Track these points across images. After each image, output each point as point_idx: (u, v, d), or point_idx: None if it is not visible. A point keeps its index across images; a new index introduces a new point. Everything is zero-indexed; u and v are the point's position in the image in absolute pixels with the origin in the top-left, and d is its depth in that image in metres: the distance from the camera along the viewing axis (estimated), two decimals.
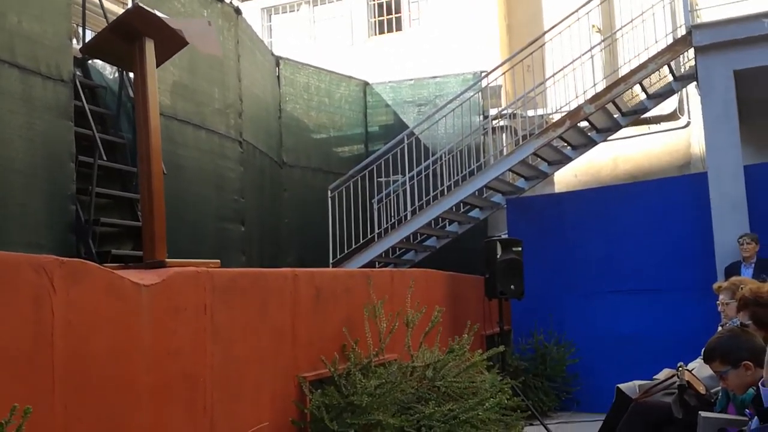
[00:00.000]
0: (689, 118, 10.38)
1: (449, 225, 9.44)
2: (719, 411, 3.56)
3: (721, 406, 3.62)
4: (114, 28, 4.37)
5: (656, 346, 6.94)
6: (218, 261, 4.19)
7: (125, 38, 4.37)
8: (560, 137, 8.34)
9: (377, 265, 8.87)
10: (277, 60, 9.78)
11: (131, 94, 6.22)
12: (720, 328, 4.15)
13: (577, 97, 8.34)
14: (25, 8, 5.03)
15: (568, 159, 8.94)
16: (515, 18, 12.00)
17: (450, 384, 4.40)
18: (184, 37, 4.51)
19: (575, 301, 7.89)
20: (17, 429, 2.20)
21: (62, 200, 5.24)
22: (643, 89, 8.46)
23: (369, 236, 9.09)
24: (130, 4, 6.17)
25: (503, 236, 8.53)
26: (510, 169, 8.53)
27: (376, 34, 12.65)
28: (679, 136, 10.47)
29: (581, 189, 9.82)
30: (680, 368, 3.91)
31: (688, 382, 3.84)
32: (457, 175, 9.01)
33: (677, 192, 7.61)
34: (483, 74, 9.42)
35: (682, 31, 7.65)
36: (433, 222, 8.81)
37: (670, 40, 7.81)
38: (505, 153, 8.96)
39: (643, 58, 7.82)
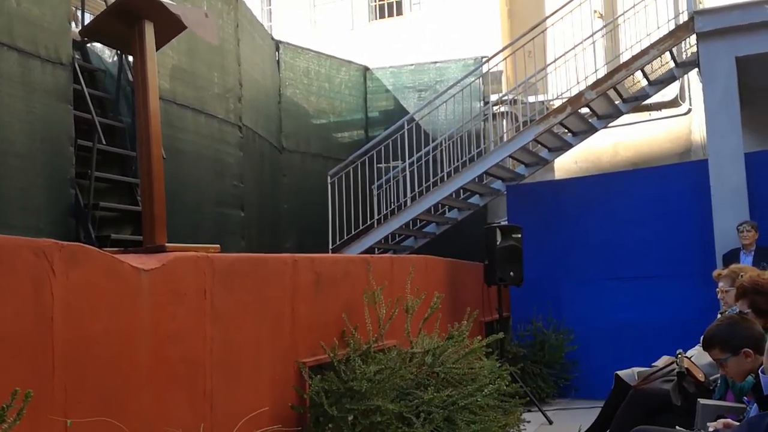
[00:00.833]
0: (690, 105, 10.35)
1: (449, 211, 9.43)
2: (718, 398, 3.57)
3: (719, 393, 3.63)
4: (113, 10, 4.33)
5: (655, 333, 6.96)
6: (218, 246, 4.18)
7: (125, 21, 4.34)
8: (561, 123, 8.31)
9: (377, 251, 8.87)
10: (277, 44, 9.74)
11: (130, 77, 6.19)
12: (719, 316, 4.15)
13: (578, 83, 8.31)
14: None
15: (568, 145, 8.93)
16: (517, 3, 11.93)
17: (449, 370, 4.41)
18: (182, 21, 4.48)
19: (574, 288, 7.90)
20: (18, 413, 2.20)
21: (61, 184, 5.23)
22: (645, 75, 8.43)
23: (369, 222, 9.09)
24: None
25: (503, 223, 8.53)
26: (510, 156, 8.51)
27: (376, 19, 12.59)
28: (680, 122, 10.45)
29: (581, 176, 9.81)
30: (679, 355, 3.92)
31: (686, 369, 3.85)
32: (458, 161, 9.00)
33: (677, 179, 7.60)
34: (484, 60, 9.39)
35: (684, 17, 7.61)
36: (432, 208, 8.81)
37: (672, 26, 7.78)
38: (505, 139, 8.93)
39: (645, 44, 7.79)
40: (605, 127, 9.01)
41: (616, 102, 8.58)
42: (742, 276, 3.81)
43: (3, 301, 2.47)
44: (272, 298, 4.08)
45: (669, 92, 9.80)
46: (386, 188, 9.26)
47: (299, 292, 4.31)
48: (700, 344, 4.49)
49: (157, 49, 4.48)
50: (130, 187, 6.20)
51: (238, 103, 7.91)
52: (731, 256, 6.44)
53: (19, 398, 2.19)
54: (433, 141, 9.29)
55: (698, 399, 3.38)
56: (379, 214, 9.09)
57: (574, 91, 8.18)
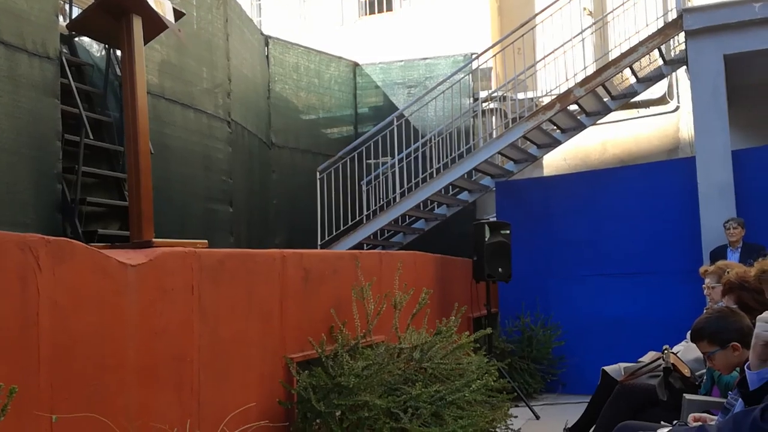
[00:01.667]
0: (678, 103, 10.40)
1: (438, 207, 9.44)
2: (704, 393, 3.60)
3: (705, 388, 3.66)
4: (101, 4, 4.31)
5: (642, 329, 7.00)
6: (206, 241, 4.17)
7: (112, 15, 4.32)
8: (550, 120, 8.33)
9: (365, 247, 8.87)
10: (267, 39, 9.70)
11: (118, 72, 6.15)
12: (705, 312, 4.18)
13: (567, 80, 8.33)
14: None
15: (557, 142, 8.95)
16: (506, 0, 11.94)
17: (437, 365, 4.41)
18: (163, 20, 4.46)
19: (562, 284, 7.93)
20: (2, 408, 2.19)
21: (48, 179, 5.20)
22: (633, 73, 8.46)
23: (357, 218, 9.09)
24: None
25: (492, 219, 8.55)
26: (499, 152, 8.52)
27: (366, 15, 12.57)
28: (668, 120, 10.50)
29: (570, 173, 9.84)
30: (665, 351, 3.95)
31: (673, 364, 3.88)
32: (447, 157, 9.01)
33: (665, 176, 7.63)
34: (473, 56, 9.39)
35: (673, 15, 7.64)
36: (421, 204, 8.81)
37: (660, 24, 7.80)
38: (494, 136, 8.95)
39: (634, 42, 7.82)
40: (594, 124, 9.04)
41: (605, 99, 8.60)
42: (728, 272, 3.82)
43: None
44: (260, 293, 4.08)
45: (657, 90, 9.84)
46: (375, 184, 9.26)
47: (288, 288, 4.31)
48: (687, 340, 4.53)
49: (145, 44, 4.46)
50: (117, 182, 6.17)
51: (227, 99, 7.88)
52: (718, 253, 6.49)
53: (3, 394, 2.18)
54: (422, 137, 9.30)
55: (684, 394, 3.40)
56: (368, 210, 9.09)
57: (563, 88, 8.20)
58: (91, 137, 5.76)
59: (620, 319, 7.45)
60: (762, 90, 8.50)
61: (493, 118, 9.99)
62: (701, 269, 4.98)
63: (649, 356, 4.58)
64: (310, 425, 4.02)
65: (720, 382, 3.45)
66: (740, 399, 2.52)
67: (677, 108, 10.42)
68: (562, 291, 7.90)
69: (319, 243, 8.98)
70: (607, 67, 7.85)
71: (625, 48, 7.93)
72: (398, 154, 8.93)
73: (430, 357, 4.44)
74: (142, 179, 4.26)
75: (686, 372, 3.90)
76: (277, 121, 9.69)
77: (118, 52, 5.78)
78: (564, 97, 7.97)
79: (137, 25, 4.32)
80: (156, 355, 3.23)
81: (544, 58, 8.60)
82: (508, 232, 7.16)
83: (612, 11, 8.83)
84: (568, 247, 7.95)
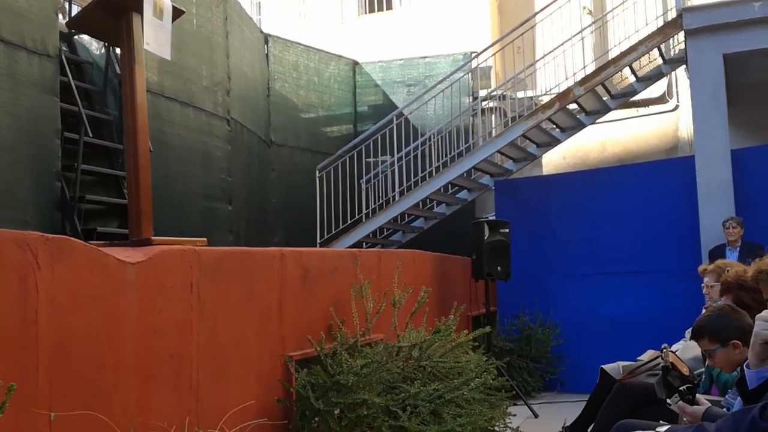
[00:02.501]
0: (678, 102, 10.40)
1: (437, 206, 9.44)
2: (702, 392, 3.60)
3: (704, 387, 3.66)
4: (101, 2, 4.30)
5: (640, 327, 7.00)
6: (205, 239, 4.17)
7: (112, 13, 4.31)
8: (549, 119, 8.33)
9: (365, 246, 8.87)
10: (266, 38, 9.70)
11: (118, 70, 6.15)
12: (704, 311, 4.18)
13: (566, 79, 8.33)
14: None
15: (556, 141, 8.95)
16: None
17: (436, 364, 4.41)
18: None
19: (561, 283, 7.93)
20: (1, 406, 2.19)
21: (47, 177, 5.19)
22: (633, 72, 8.46)
23: (357, 216, 9.09)
24: None
25: (491, 218, 8.55)
26: (498, 151, 8.53)
27: (366, 13, 12.56)
28: (667, 119, 10.50)
29: (569, 171, 9.84)
30: (664, 349, 3.94)
31: (671, 363, 3.86)
32: (446, 156, 9.00)
33: (664, 175, 7.64)
34: (473, 55, 9.38)
35: (672, 14, 7.64)
36: (421, 203, 8.81)
37: (660, 23, 7.80)
38: (493, 134, 8.95)
39: (634, 41, 7.82)
40: (593, 123, 9.04)
41: (604, 98, 8.60)
42: (727, 271, 3.82)
43: None
44: (259, 292, 4.08)
45: (657, 89, 9.85)
46: (374, 183, 9.26)
47: (287, 286, 4.31)
48: (685, 339, 4.53)
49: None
50: (116, 180, 6.16)
51: (227, 97, 7.88)
52: (717, 252, 6.49)
53: (2, 391, 2.18)
54: (421, 136, 9.30)
55: (679, 388, 3.39)
56: (367, 208, 9.09)
57: (563, 87, 8.21)
58: (91, 135, 5.75)
59: (619, 317, 7.45)
60: (761, 89, 8.50)
61: (493, 116, 9.98)
62: (700, 268, 4.98)
63: (647, 355, 4.58)
64: (309, 423, 4.02)
65: (719, 380, 3.45)
66: (739, 398, 2.52)
67: (676, 107, 10.42)
68: (561, 290, 7.91)
69: (318, 241, 8.98)
70: (607, 66, 7.85)
71: (624, 47, 7.93)
72: (397, 153, 8.93)
73: (428, 355, 4.44)
74: (141, 177, 4.26)
75: (685, 371, 3.88)
76: (276, 120, 9.69)
77: (118, 50, 5.77)
78: (563, 96, 7.97)
79: (137, 23, 4.31)
80: (155, 353, 3.23)
81: (543, 57, 8.60)
82: (507, 230, 7.16)
83: (611, 10, 8.83)
84: (567, 245, 7.95)
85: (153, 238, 4.07)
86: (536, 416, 6.37)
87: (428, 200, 9.01)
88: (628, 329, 7.17)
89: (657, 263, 7.41)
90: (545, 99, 8.64)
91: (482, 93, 9.74)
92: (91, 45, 6.42)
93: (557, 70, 8.56)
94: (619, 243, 7.67)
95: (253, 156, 8.83)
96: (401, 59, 10.86)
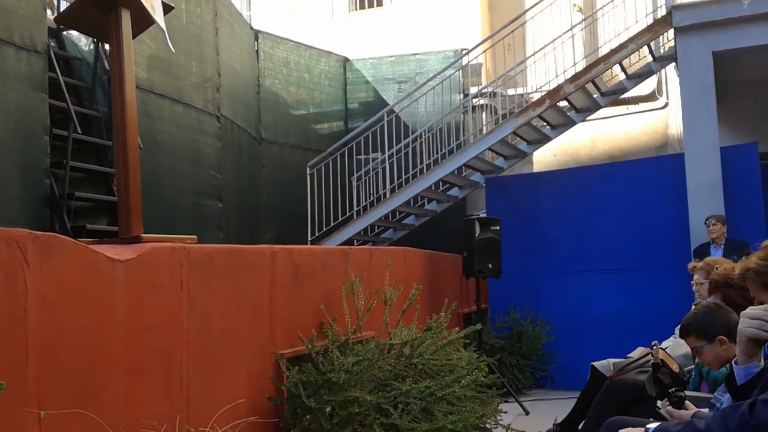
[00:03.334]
0: (667, 99, 10.44)
1: (428, 203, 9.45)
2: (692, 389, 3.62)
3: (694, 384, 3.68)
4: None
5: (631, 324, 7.03)
6: (195, 237, 4.16)
7: (101, 8, 4.29)
8: (540, 116, 8.35)
9: (356, 243, 8.87)
10: (256, 34, 9.66)
11: (107, 66, 6.12)
12: (693, 308, 4.20)
13: (557, 76, 8.35)
14: None
15: (547, 138, 8.97)
16: None
17: (427, 361, 4.41)
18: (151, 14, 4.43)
19: (552, 280, 7.95)
20: None
21: (36, 174, 5.16)
22: (623, 69, 8.48)
23: (348, 214, 9.08)
24: None
25: (482, 215, 8.55)
26: (489, 148, 8.54)
27: (356, 10, 12.53)
28: (657, 116, 10.54)
29: (560, 169, 9.86)
30: (654, 347, 3.96)
31: (661, 360, 3.89)
32: (437, 153, 9.01)
33: (654, 172, 7.66)
34: (464, 52, 9.39)
35: (662, 12, 7.67)
36: (412, 200, 8.81)
37: (650, 21, 7.83)
38: (484, 132, 8.95)
39: (623, 38, 7.84)
40: (583, 121, 9.07)
41: (595, 95, 8.62)
42: (716, 269, 3.84)
43: None
44: (250, 289, 4.06)
45: (646, 86, 9.88)
46: (365, 180, 9.25)
47: (277, 284, 4.30)
48: (675, 336, 4.55)
49: (133, 37, 4.43)
50: (105, 177, 6.14)
51: (217, 93, 7.85)
52: (701, 250, 6.51)
53: None
54: (412, 133, 9.30)
55: (669, 390, 3.41)
56: (358, 205, 9.08)
57: (553, 85, 8.22)
58: (80, 132, 5.72)
59: (609, 314, 7.47)
60: (750, 87, 8.55)
61: (483, 114, 9.99)
62: (689, 265, 5.01)
63: (637, 352, 4.59)
64: (300, 421, 4.01)
65: (708, 377, 3.47)
66: (728, 394, 2.54)
67: (666, 105, 10.46)
68: (552, 287, 7.93)
69: (309, 239, 8.97)
70: (597, 64, 7.87)
71: (614, 44, 7.96)
72: (388, 150, 8.93)
73: (420, 353, 4.44)
74: (130, 174, 4.24)
75: (675, 368, 3.91)
76: (266, 116, 9.66)
77: (107, 46, 5.74)
78: (554, 94, 7.98)
79: (126, 18, 4.29)
80: (145, 350, 3.21)
81: (534, 55, 8.61)
82: (498, 228, 7.17)
83: (602, 8, 8.85)
84: (557, 243, 7.97)
85: (143, 235, 4.05)
86: (527, 413, 6.39)
87: (419, 197, 9.02)
88: (619, 326, 7.19)
89: (647, 260, 7.44)
90: (536, 96, 8.65)
91: (473, 90, 9.74)
92: (80, 41, 6.39)
93: (548, 68, 8.58)
94: (610, 240, 7.69)
95: (243, 153, 8.81)
96: (392, 56, 10.85)
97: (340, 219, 9.04)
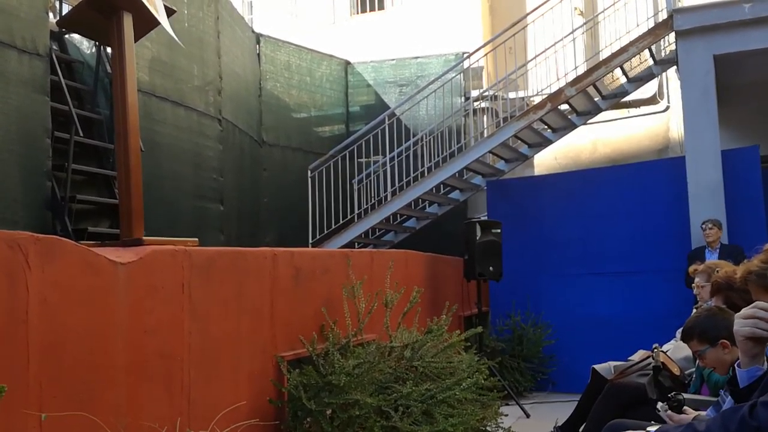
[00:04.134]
0: (668, 103, 10.44)
1: (429, 206, 9.45)
2: (693, 392, 3.62)
3: (694, 387, 3.67)
4: (91, 1, 4.29)
5: (632, 327, 7.02)
6: (196, 240, 4.17)
7: (103, 12, 4.30)
8: (541, 120, 8.35)
9: (357, 246, 8.87)
10: (258, 37, 9.68)
11: (109, 69, 6.13)
12: (695, 311, 4.20)
13: (558, 79, 8.35)
14: None
15: (548, 142, 8.97)
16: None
17: (428, 364, 4.41)
18: (155, 16, 4.44)
19: (553, 283, 7.95)
20: None
21: (38, 176, 5.17)
22: (624, 73, 8.48)
23: (349, 217, 9.08)
24: None
25: (483, 218, 8.55)
26: (490, 151, 8.54)
27: (358, 13, 12.56)
28: (658, 120, 10.54)
29: (561, 172, 9.87)
30: (655, 349, 3.96)
31: (662, 363, 3.89)
32: (438, 156, 9.01)
33: (655, 176, 7.66)
34: (465, 55, 9.39)
35: (663, 15, 7.67)
36: (413, 203, 8.81)
37: (651, 24, 7.83)
38: (485, 135, 8.96)
39: (625, 42, 7.84)
40: (584, 124, 9.07)
41: (596, 99, 8.63)
42: (717, 272, 3.84)
43: None
44: (251, 292, 4.07)
45: (647, 90, 9.88)
46: (367, 183, 9.26)
47: (278, 287, 4.30)
48: (676, 339, 4.55)
49: (135, 41, 4.45)
50: (107, 180, 6.14)
51: (218, 96, 7.86)
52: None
53: None
54: (413, 136, 9.30)
55: (668, 395, 3.41)
56: (359, 208, 9.09)
57: (554, 88, 8.22)
58: (81, 134, 5.73)
59: (610, 317, 7.47)
60: (751, 90, 8.55)
61: (485, 117, 10.00)
62: (690, 268, 5.00)
63: (638, 355, 4.59)
64: (301, 424, 4.01)
65: (710, 381, 3.47)
66: (729, 397, 2.54)
67: (667, 108, 10.47)
68: (553, 290, 7.92)
69: (310, 241, 8.97)
70: (598, 67, 7.88)
71: (615, 48, 7.96)
72: (389, 153, 8.93)
73: (420, 355, 4.44)
74: (132, 177, 4.24)
75: (676, 371, 3.91)
76: (268, 119, 9.67)
77: (109, 49, 5.75)
78: (555, 97, 7.99)
79: (128, 22, 4.30)
80: (146, 353, 3.22)
81: (535, 58, 8.62)
82: (499, 230, 7.17)
83: (603, 11, 8.85)
84: (558, 246, 7.97)
85: (144, 238, 4.06)
86: (528, 416, 6.39)
87: (420, 200, 9.02)
88: (620, 329, 7.19)
89: (648, 263, 7.43)
90: (537, 99, 8.66)
91: (474, 93, 9.75)
92: (82, 44, 6.40)
93: (549, 71, 8.58)
94: (611, 243, 7.69)
95: (244, 156, 8.81)
96: (393, 59, 10.86)
97: (341, 222, 9.04)
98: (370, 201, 9.09)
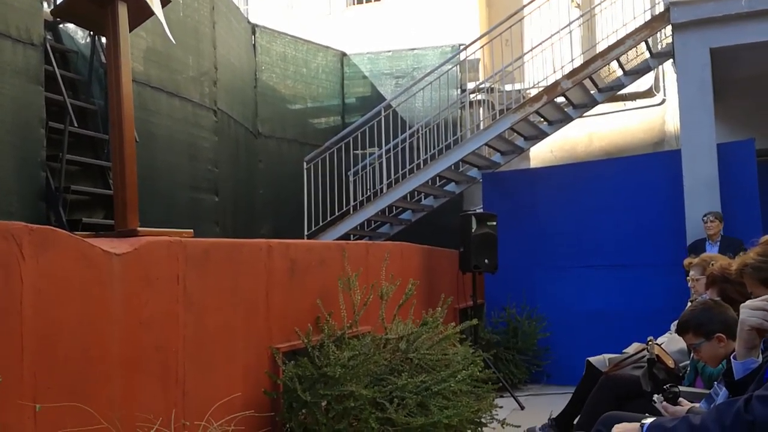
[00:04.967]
0: (664, 96, 10.44)
1: (425, 198, 9.45)
2: (687, 385, 3.63)
3: (689, 380, 3.68)
4: None
5: (626, 320, 7.05)
6: (191, 231, 4.15)
7: (97, 1, 4.27)
8: (537, 112, 8.34)
9: (352, 238, 8.87)
10: (253, 28, 9.64)
11: (103, 59, 6.09)
12: (689, 304, 4.21)
13: (554, 72, 8.35)
14: None
15: (544, 134, 8.97)
16: None
17: (423, 356, 4.42)
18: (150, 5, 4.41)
19: (548, 276, 7.96)
20: None
21: (32, 167, 5.15)
22: (620, 65, 8.48)
23: (344, 209, 9.07)
24: None
25: (478, 210, 8.56)
26: (486, 144, 8.53)
27: (354, 4, 12.51)
28: (654, 113, 10.54)
29: (557, 165, 9.87)
30: (650, 342, 3.97)
31: (657, 356, 3.90)
32: (434, 148, 9.00)
33: (651, 169, 7.67)
34: (461, 47, 9.37)
35: (660, 8, 7.67)
36: (408, 195, 8.81)
37: (648, 17, 7.83)
38: (482, 127, 8.95)
39: (621, 34, 7.83)
40: (580, 117, 9.06)
41: (592, 92, 8.62)
42: (712, 265, 3.85)
43: None
44: (246, 284, 4.06)
45: (644, 83, 9.88)
46: (362, 175, 9.24)
47: (274, 278, 4.29)
48: (671, 331, 4.56)
49: (130, 30, 4.42)
50: (102, 171, 6.12)
51: (213, 87, 7.83)
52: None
53: None
54: (409, 128, 9.28)
55: (663, 386, 3.42)
56: (355, 200, 9.08)
57: (551, 80, 8.22)
58: (76, 125, 5.71)
59: (605, 310, 7.49)
60: (747, 83, 8.55)
61: (481, 109, 9.99)
62: (685, 261, 5.01)
63: (633, 347, 4.60)
64: (296, 415, 4.02)
65: (704, 373, 3.48)
66: (724, 389, 2.54)
67: (663, 101, 10.47)
68: (548, 282, 7.93)
69: (305, 233, 8.96)
70: (594, 60, 7.87)
71: (612, 41, 7.95)
72: (385, 145, 8.92)
73: (416, 347, 4.45)
74: (126, 168, 4.22)
75: (670, 363, 3.92)
76: (263, 111, 9.64)
77: (103, 39, 5.72)
78: (551, 89, 7.98)
79: (122, 11, 4.27)
80: (141, 344, 3.21)
81: (531, 50, 8.60)
82: (494, 223, 7.18)
83: (600, 4, 8.84)
84: (554, 238, 7.98)
85: (139, 229, 4.05)
86: (522, 408, 6.40)
87: (416, 192, 9.02)
88: (614, 322, 7.21)
89: (643, 256, 7.45)
90: (533, 92, 8.65)
91: (470, 85, 9.73)
92: (77, 34, 6.36)
93: (545, 63, 8.57)
94: (606, 236, 7.70)
95: (240, 147, 8.79)
96: (389, 51, 10.83)
97: (336, 214, 9.03)
98: (366, 193, 9.08)
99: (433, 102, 9.48)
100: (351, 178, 9.21)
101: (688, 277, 4.76)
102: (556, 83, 7.96)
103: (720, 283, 3.55)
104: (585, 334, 7.28)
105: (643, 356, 4.07)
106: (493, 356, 6.73)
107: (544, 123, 8.92)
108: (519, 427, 4.73)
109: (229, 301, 3.88)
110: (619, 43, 7.72)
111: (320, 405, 3.95)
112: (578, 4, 10.32)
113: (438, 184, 9.23)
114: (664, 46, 8.37)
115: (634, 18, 7.98)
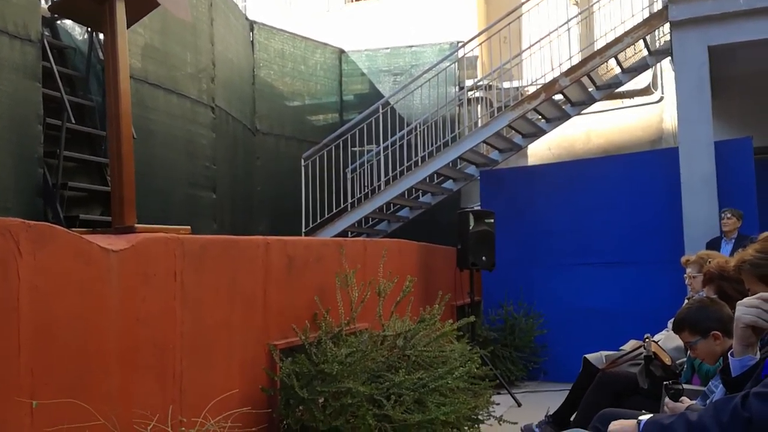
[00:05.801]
0: (662, 93, 10.44)
1: (423, 196, 9.45)
2: (684, 382, 3.63)
3: (686, 377, 3.69)
4: None
5: (623, 317, 7.05)
6: (189, 227, 4.15)
7: None
8: (535, 110, 8.34)
9: (350, 235, 8.86)
10: (252, 24, 9.63)
11: (101, 55, 6.09)
12: (686, 301, 4.22)
13: (552, 69, 8.34)
14: None
15: (542, 132, 8.97)
16: None
17: (420, 353, 4.42)
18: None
19: (545, 273, 7.97)
20: None
21: (29, 163, 5.14)
22: (618, 63, 8.48)
23: (342, 206, 9.07)
24: None
25: (476, 208, 8.56)
26: (484, 141, 8.53)
27: (352, 1, 12.49)
28: (651, 110, 10.55)
29: (554, 162, 9.87)
30: (647, 339, 3.98)
31: (654, 353, 3.91)
32: (432, 146, 9.00)
33: (648, 166, 7.68)
34: (459, 45, 9.37)
35: (658, 6, 7.67)
36: (406, 192, 8.81)
37: (646, 15, 7.83)
38: (479, 125, 8.95)
39: (619, 32, 7.83)
40: (578, 114, 9.07)
41: (590, 89, 8.62)
42: (709, 262, 3.86)
43: None
44: (244, 280, 4.06)
45: (641, 80, 9.88)
46: (360, 172, 9.24)
47: (271, 275, 4.29)
48: (668, 329, 4.57)
49: (128, 27, 4.41)
50: (99, 167, 6.11)
51: (211, 84, 7.82)
52: (713, 244, 6.49)
53: None
54: (407, 125, 9.28)
55: (664, 382, 3.43)
56: (352, 197, 9.07)
57: (549, 78, 8.22)
58: (73, 121, 5.70)
59: (602, 307, 7.50)
60: (745, 81, 8.55)
61: (479, 107, 9.99)
62: (683, 259, 5.02)
63: (630, 345, 4.62)
64: (293, 412, 4.02)
65: (700, 370, 3.48)
66: (720, 386, 2.54)
67: (661, 99, 10.47)
68: (545, 280, 7.94)
69: (303, 230, 8.96)
70: (593, 57, 7.87)
71: (610, 38, 7.94)
72: (383, 142, 8.92)
73: (413, 344, 4.45)
74: (124, 164, 4.22)
75: (667, 360, 3.93)
76: (261, 108, 9.63)
77: (101, 36, 5.71)
78: (549, 87, 7.98)
79: (120, 8, 4.27)
80: (138, 341, 3.21)
81: (530, 48, 8.60)
82: (492, 220, 7.18)
83: (598, 1, 8.84)
84: (551, 236, 7.98)
85: (136, 225, 4.04)
86: (519, 405, 6.41)
87: (414, 190, 9.01)
88: (611, 319, 7.22)
89: (640, 254, 7.46)
90: (531, 89, 8.65)
91: (468, 83, 9.73)
92: (74, 30, 6.35)
93: (543, 61, 8.57)
94: (603, 234, 7.71)
95: (237, 144, 8.78)
96: (387, 48, 10.82)
97: (334, 211, 9.03)
98: (364, 190, 9.08)
99: (431, 99, 9.48)
100: (349, 175, 9.20)
101: (685, 275, 4.77)
102: (554, 81, 7.96)
103: (717, 281, 3.55)
104: (582, 331, 7.29)
105: (640, 353, 4.07)
106: (491, 353, 6.72)
107: (542, 120, 8.92)
108: (516, 423, 4.74)
109: (226, 297, 3.88)
110: (617, 40, 7.72)
111: (317, 402, 3.95)
112: (577, 2, 10.32)
113: (436, 181, 9.23)
114: (662, 43, 8.37)
115: (633, 16, 7.98)
